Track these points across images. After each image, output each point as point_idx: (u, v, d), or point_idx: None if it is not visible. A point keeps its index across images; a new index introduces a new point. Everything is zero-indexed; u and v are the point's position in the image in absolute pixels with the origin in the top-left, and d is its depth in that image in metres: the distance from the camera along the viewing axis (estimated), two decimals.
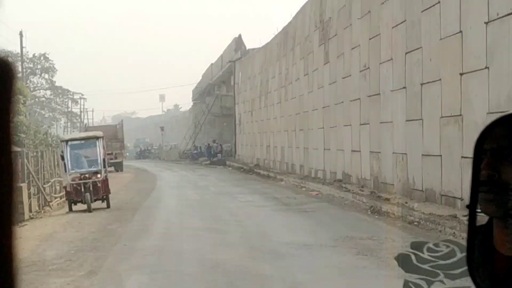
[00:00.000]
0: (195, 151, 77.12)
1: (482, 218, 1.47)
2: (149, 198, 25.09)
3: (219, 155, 60.08)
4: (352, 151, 25.90)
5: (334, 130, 28.72)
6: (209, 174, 43.24)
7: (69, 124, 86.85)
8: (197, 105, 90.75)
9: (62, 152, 21.40)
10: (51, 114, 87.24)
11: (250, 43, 58.12)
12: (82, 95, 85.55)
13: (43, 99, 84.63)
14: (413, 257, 2.44)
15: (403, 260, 2.61)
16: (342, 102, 27.27)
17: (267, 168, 43.00)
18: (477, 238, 1.49)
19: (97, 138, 22.58)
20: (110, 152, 48.68)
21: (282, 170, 39.85)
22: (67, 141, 22.04)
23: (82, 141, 22.75)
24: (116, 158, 49.26)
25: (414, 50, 19.44)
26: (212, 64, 73.63)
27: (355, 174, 25.55)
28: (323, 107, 30.49)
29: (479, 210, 1.45)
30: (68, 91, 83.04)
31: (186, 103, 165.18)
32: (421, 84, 18.87)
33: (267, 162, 44.97)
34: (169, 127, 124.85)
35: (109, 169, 51.27)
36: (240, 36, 58.22)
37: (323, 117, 30.65)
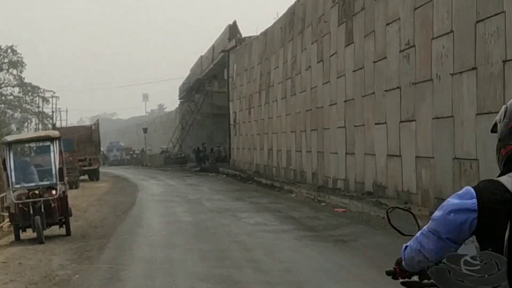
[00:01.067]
0: (182, 155, 72.65)
1: None
2: (127, 218, 20.52)
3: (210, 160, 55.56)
4: (389, 155, 21.42)
5: (360, 130, 24.27)
6: (200, 184, 38.74)
7: (40, 126, 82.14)
8: (184, 104, 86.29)
9: (4, 159, 16.53)
10: (22, 114, 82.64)
11: (246, 32, 53.69)
12: (54, 93, 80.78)
13: (11, 97, 80.00)
14: (449, 271, 2.17)
15: (437, 274, 2.26)
16: (373, 93, 22.80)
17: (270, 176, 38.53)
18: None
19: (51, 139, 17.40)
20: (83, 157, 44.21)
21: (289, 178, 35.39)
22: (9, 143, 16.87)
23: (32, 144, 18.12)
24: (90, 164, 44.68)
25: (489, 17, 15.00)
26: (201, 56, 69.12)
27: (393, 185, 21.06)
28: (345, 101, 26.04)
29: None
30: (38, 88, 78.32)
31: (171, 102, 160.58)
32: (504, 62, 14.43)
33: (269, 169, 40.50)
34: (153, 128, 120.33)
35: (83, 177, 46.87)
36: (235, 22, 53.74)
37: (344, 113, 26.20)
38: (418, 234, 3.00)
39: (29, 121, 79.16)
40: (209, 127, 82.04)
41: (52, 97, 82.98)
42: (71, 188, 38.18)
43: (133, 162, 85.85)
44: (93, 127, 47.06)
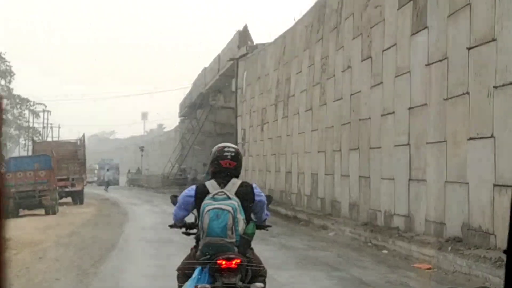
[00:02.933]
0: (181, 175, 65.16)
1: None
2: (95, 280, 12.72)
3: None
4: (497, 186, 13.84)
5: (438, 148, 16.73)
6: None
7: (29, 143, 74.51)
8: (185, 122, 78.90)
9: None
10: (17, 132, 75.22)
11: (257, 39, 46.39)
12: (45, 106, 73.20)
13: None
14: None
15: None
16: (466, 93, 15.27)
17: (288, 205, 30.96)
18: None
19: None
20: (65, 177, 36.57)
21: (314, 208, 27.85)
22: None
23: None
24: (73, 185, 37.07)
25: None
26: (205, 68, 61.72)
27: (504, 230, 13.52)
28: (410, 108, 18.52)
29: None
30: (28, 100, 70.85)
31: (171, 122, 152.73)
32: None
33: (286, 196, 32.92)
34: (152, 148, 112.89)
35: (65, 200, 39.22)
36: (245, 28, 46.36)
37: (408, 125, 18.68)
38: None
39: (12, 138, 71.65)
40: (211, 148, 74.53)
41: (44, 111, 75.45)
42: (47, 214, 30.66)
43: (129, 183, 78.13)
44: (78, 143, 39.49)
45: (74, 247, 17.81)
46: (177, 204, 6.77)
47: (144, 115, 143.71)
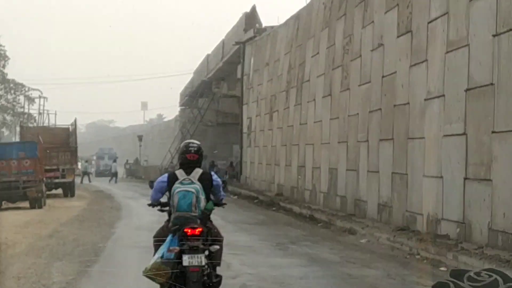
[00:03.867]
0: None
1: None
2: None
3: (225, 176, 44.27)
4: None
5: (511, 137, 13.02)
6: None
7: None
8: (185, 111, 75.06)
9: None
10: (12, 118, 71.38)
11: (264, 22, 42.46)
12: (41, 92, 69.29)
13: None
14: (452, 286, 2.12)
15: None
16: None
17: (301, 202, 27.25)
18: None
19: None
20: (54, 167, 32.86)
21: (332, 207, 24.15)
22: None
23: None
24: (64, 176, 33.26)
25: None
26: (208, 55, 57.89)
27: None
28: (468, 90, 14.76)
29: None
30: (23, 86, 67.00)
31: (171, 112, 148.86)
32: None
33: (298, 192, 29.19)
34: (150, 138, 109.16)
35: (55, 192, 35.42)
36: (253, 9, 42.49)
37: (464, 111, 14.91)
38: None
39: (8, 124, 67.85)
40: (212, 138, 70.85)
41: (40, 97, 71.54)
42: (33, 207, 26.96)
43: (126, 174, 74.31)
44: (70, 129, 35.58)
45: (49, 254, 14.05)
46: (153, 188, 8.75)
47: (144, 105, 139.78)
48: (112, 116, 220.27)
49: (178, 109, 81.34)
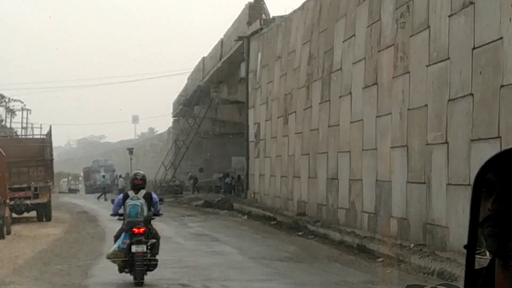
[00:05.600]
0: (175, 181, 54.68)
1: (482, 261, 1.40)
2: None
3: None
4: None
5: None
6: (216, 236, 20.76)
7: None
8: (179, 122, 68.43)
9: None
10: None
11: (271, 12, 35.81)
12: (24, 104, 62.44)
13: None
14: None
15: None
16: None
17: (335, 225, 20.65)
18: (477, 281, 1.41)
19: None
20: (24, 184, 26.17)
21: (384, 232, 17.49)
22: None
23: None
24: (37, 196, 26.45)
25: None
26: (204, 58, 51.33)
27: None
28: None
29: (479, 251, 1.39)
30: (2, 96, 60.22)
31: (163, 125, 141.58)
32: None
33: (329, 211, 22.56)
34: (142, 152, 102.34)
35: (26, 215, 28.31)
36: None
37: None
38: None
39: None
40: (208, 151, 64.31)
41: (22, 109, 64.56)
42: None
43: (114, 191, 67.20)
44: (45, 139, 28.70)
45: None
46: (114, 203, 12.62)
47: (135, 118, 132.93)
48: (102, 131, 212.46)
49: (171, 120, 74.64)
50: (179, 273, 13.22)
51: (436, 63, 15.39)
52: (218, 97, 45.72)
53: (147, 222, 12.13)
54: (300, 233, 21.30)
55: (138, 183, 12.28)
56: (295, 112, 27.07)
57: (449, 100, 14.70)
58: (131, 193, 12.26)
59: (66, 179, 76.01)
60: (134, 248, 11.69)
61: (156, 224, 26.70)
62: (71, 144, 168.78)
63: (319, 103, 23.99)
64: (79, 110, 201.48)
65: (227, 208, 33.03)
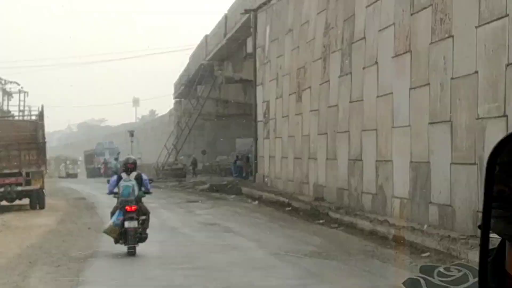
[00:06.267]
0: (179, 165, 52.12)
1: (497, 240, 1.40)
2: None
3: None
4: None
5: None
6: (227, 224, 18.36)
7: None
8: (181, 103, 65.94)
9: None
10: None
11: None
12: (21, 86, 59.74)
13: None
14: (422, 282, 2.05)
15: (411, 285, 2.14)
16: None
17: (359, 211, 18.20)
18: (490, 261, 1.40)
19: None
20: (15, 170, 23.75)
21: (420, 220, 15.03)
22: None
23: None
24: (29, 182, 23.98)
25: None
26: (206, 36, 48.71)
27: None
28: None
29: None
30: None
31: (164, 107, 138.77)
32: None
33: (351, 196, 20.06)
34: (143, 135, 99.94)
35: (19, 202, 25.54)
36: None
37: None
38: None
39: None
40: (211, 133, 61.88)
41: (20, 92, 61.90)
42: None
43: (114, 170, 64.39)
44: (38, 122, 26.07)
45: None
46: (109, 183, 14.05)
47: (136, 101, 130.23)
48: (103, 114, 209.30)
49: (173, 101, 72.14)
50: (191, 277, 10.74)
51: (489, 22, 12.88)
52: (222, 76, 43.21)
53: (138, 200, 13.64)
54: (321, 221, 18.86)
55: (130, 166, 13.91)
56: (309, 87, 24.55)
57: (508, 65, 12.21)
58: (123, 175, 13.76)
59: (64, 164, 73.18)
60: (127, 224, 13.25)
61: (161, 212, 24.43)
62: (71, 128, 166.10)
63: (339, 77, 21.47)
64: (78, 91, 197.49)
65: (235, 192, 30.62)
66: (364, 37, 19.45)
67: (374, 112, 18.56)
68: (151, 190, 14.08)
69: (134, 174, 13.66)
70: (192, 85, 55.61)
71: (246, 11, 32.88)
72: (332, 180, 21.95)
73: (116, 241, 13.51)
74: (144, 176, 14.03)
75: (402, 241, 14.09)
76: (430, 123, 15.27)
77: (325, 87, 22.80)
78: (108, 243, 15.04)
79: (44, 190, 24.72)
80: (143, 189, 13.64)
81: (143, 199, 13.82)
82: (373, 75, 18.70)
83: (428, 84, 15.36)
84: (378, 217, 16.47)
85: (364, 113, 19.29)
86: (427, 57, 15.48)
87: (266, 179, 30.54)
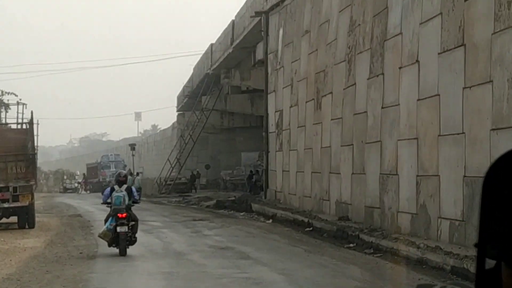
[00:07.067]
0: (180, 179, 49.13)
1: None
2: None
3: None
4: None
5: None
6: (242, 248, 15.39)
7: None
8: (184, 116, 63.10)
9: None
10: None
11: None
12: (20, 98, 56.63)
13: None
14: None
15: None
16: None
17: (394, 233, 15.28)
18: (488, 280, 1.37)
19: None
20: (1, 184, 20.86)
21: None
22: None
23: None
24: (16, 199, 21.02)
25: None
26: (212, 44, 45.90)
27: None
28: None
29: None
30: None
31: (166, 121, 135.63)
32: None
33: (383, 215, 17.14)
34: (145, 149, 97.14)
35: (8, 220, 22.18)
36: None
37: None
38: None
39: None
40: (214, 147, 59.04)
41: (19, 104, 58.72)
42: None
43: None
44: (27, 130, 23.08)
45: None
46: (104, 194, 15.71)
47: (138, 115, 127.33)
48: (105, 129, 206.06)
49: (176, 114, 69.27)
50: None
51: None
52: (229, 86, 40.38)
53: (128, 209, 15.11)
54: (351, 245, 15.94)
55: (121, 180, 15.65)
56: (331, 93, 21.68)
57: None
58: (116, 187, 15.28)
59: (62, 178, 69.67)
60: (118, 229, 14.69)
61: (164, 232, 21.42)
62: (73, 143, 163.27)
63: (367, 79, 18.60)
64: (78, 103, 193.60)
65: (244, 209, 27.70)
66: (401, 33, 16.60)
67: (414, 118, 15.69)
68: (139, 201, 16.23)
69: (125, 186, 15.41)
70: (196, 96, 52.90)
71: (257, 14, 30.05)
72: (359, 197, 19.03)
73: (110, 245, 14.98)
74: (133, 189, 15.86)
75: (465, 273, 11.16)
76: (493, 129, 12.39)
77: (350, 92, 19.93)
78: (101, 274, 12.12)
79: (33, 207, 21.77)
80: (132, 199, 15.28)
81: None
82: (412, 75, 15.84)
83: (490, 81, 12.50)
84: (428, 243, 13.51)
85: (401, 120, 16.41)
86: (488, 50, 12.63)
87: (278, 195, 27.63)
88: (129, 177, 53.48)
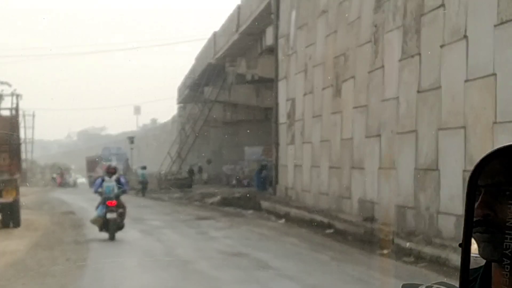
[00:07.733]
0: (183, 175, 46.76)
1: (478, 260, 1.37)
2: None
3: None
4: None
5: None
6: (258, 255, 12.97)
7: None
8: (185, 109, 60.73)
9: None
10: None
11: None
12: (15, 89, 54.11)
13: None
14: None
15: None
16: None
17: (440, 239, 12.87)
18: (472, 281, 1.38)
19: None
20: None
21: None
22: None
23: None
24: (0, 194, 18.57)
25: None
26: (215, 33, 43.44)
27: None
28: None
29: (474, 252, 1.32)
30: None
31: (165, 115, 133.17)
32: None
33: (419, 216, 14.71)
34: (145, 143, 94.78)
35: None
36: None
37: None
38: None
39: None
40: (216, 141, 56.56)
41: (13, 95, 56.14)
42: None
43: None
44: (12, 118, 20.56)
45: None
46: (95, 184, 17.49)
47: (137, 109, 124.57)
48: (104, 122, 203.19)
49: (176, 107, 66.84)
50: None
51: None
52: (233, 75, 37.87)
53: (118, 197, 16.84)
54: (384, 252, 13.53)
55: (111, 171, 17.31)
56: (353, 77, 19.24)
57: None
58: (106, 177, 17.01)
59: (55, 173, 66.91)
60: (108, 215, 16.32)
61: (166, 233, 19.16)
62: (71, 137, 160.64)
63: (399, 60, 16.17)
64: (76, 93, 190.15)
65: (252, 207, 25.30)
66: (443, 4, 14.16)
67: (461, 103, 13.26)
68: (126, 190, 17.91)
69: (114, 177, 16.95)
70: (197, 88, 50.42)
71: None
72: (388, 195, 16.60)
73: (100, 229, 16.49)
74: (122, 179, 17.39)
75: None
76: None
77: (376, 76, 17.51)
78: None
79: (19, 204, 19.32)
80: (121, 188, 16.83)
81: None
82: (459, 53, 13.40)
83: None
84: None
85: (443, 106, 13.99)
86: None
87: (289, 192, 25.21)
88: (140, 171, 50.17)
